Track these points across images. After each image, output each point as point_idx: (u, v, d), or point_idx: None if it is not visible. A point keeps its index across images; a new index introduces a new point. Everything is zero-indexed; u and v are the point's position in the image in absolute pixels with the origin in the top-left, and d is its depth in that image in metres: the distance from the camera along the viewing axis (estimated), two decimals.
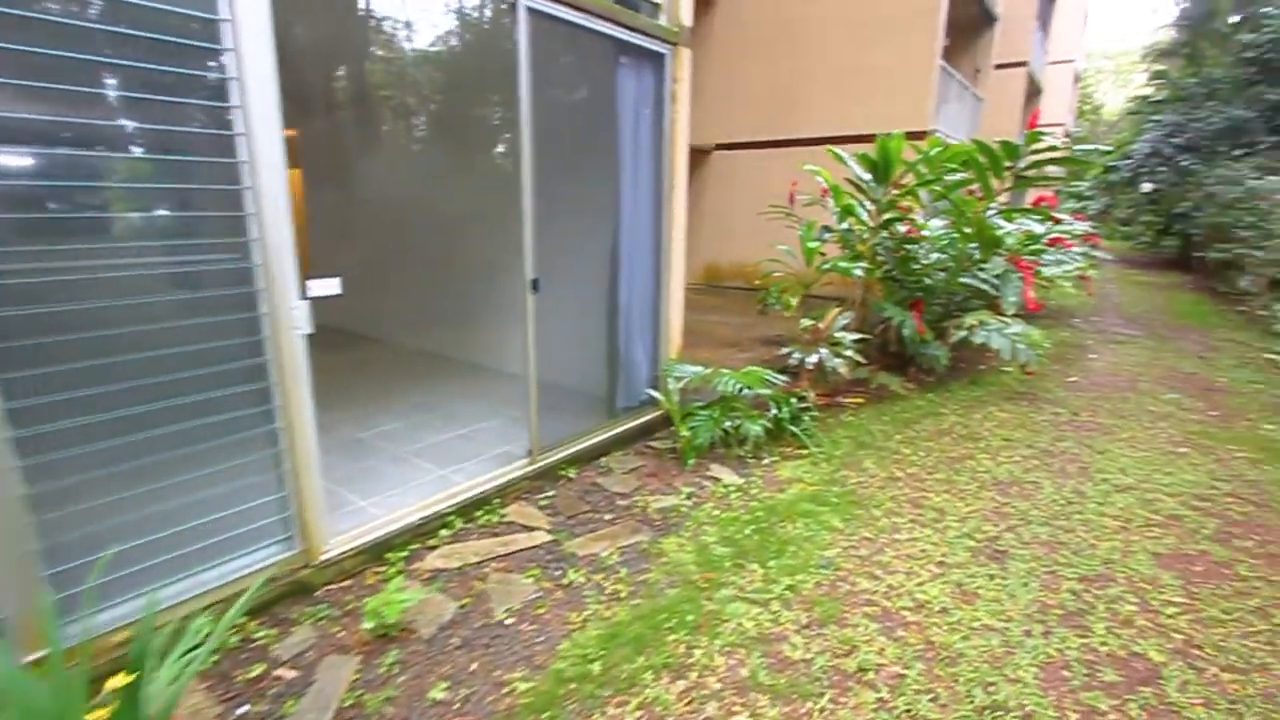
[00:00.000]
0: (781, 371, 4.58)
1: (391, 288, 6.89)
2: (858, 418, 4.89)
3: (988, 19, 12.74)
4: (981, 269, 5.33)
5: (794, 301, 4.82)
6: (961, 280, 5.40)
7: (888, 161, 5.06)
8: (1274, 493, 3.80)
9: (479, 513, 3.37)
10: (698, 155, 11.88)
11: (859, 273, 4.79)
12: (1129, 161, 20.89)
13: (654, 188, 4.26)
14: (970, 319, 5.56)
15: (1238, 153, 15.43)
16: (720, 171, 11.77)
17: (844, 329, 4.98)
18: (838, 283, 6.02)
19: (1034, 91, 18.45)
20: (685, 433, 4.10)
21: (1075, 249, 8.10)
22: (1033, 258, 5.19)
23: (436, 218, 6.10)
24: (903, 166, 5.26)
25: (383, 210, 6.71)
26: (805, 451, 4.22)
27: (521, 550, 3.07)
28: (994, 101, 14.27)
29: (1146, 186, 20.44)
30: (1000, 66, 14.69)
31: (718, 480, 3.84)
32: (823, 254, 6.16)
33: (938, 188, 5.17)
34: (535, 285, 3.51)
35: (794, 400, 4.38)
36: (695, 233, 12.57)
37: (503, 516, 3.37)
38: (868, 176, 5.41)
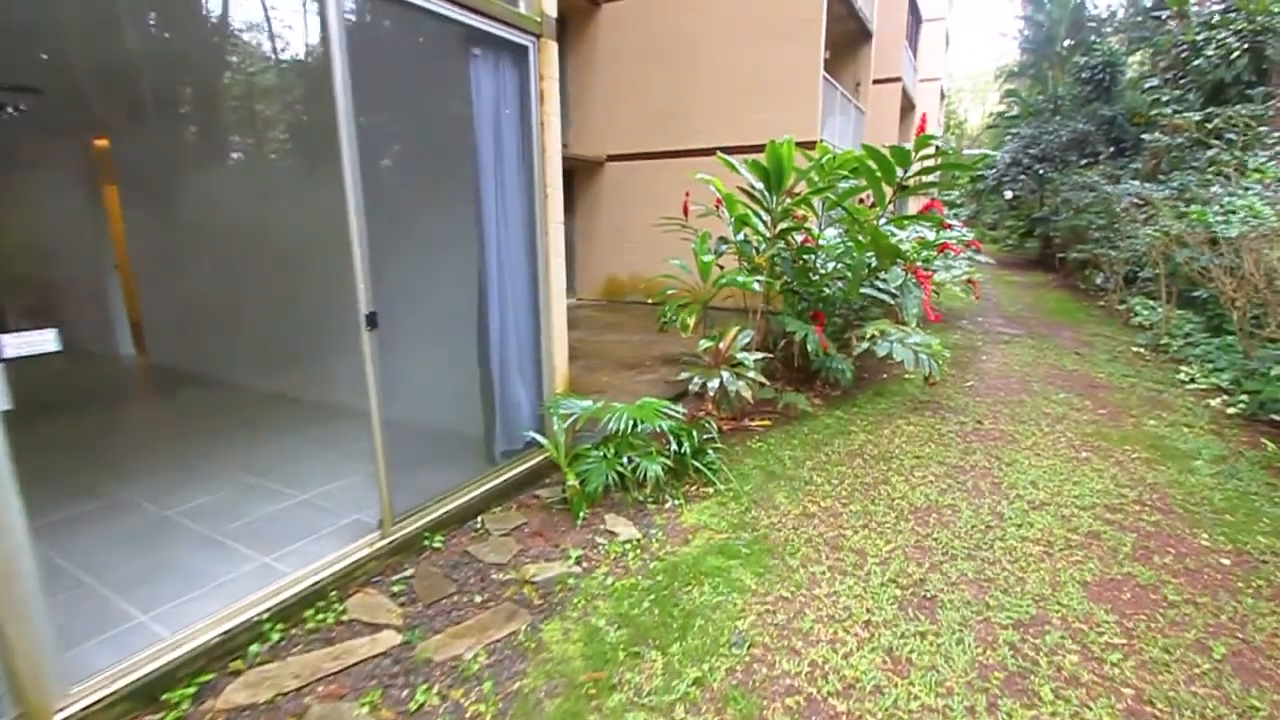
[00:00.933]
0: (681, 397, 4.14)
1: (235, 321, 5.90)
2: (766, 443, 4.53)
3: (864, 34, 13.20)
4: (880, 279, 5.18)
5: (691, 320, 4.42)
6: (861, 291, 5.22)
7: (780, 168, 4.79)
8: (1174, 495, 3.75)
9: (310, 612, 2.65)
10: (592, 167, 11.43)
11: (758, 286, 4.46)
12: (993, 170, 22.64)
13: (524, 200, 3.70)
14: (871, 328, 5.39)
15: (1084, 162, 16.94)
16: (616, 182, 11.38)
17: (746, 347, 4.63)
18: (738, 295, 5.72)
19: (908, 106, 19.55)
20: (574, 480, 3.55)
21: (961, 254, 8.32)
22: (927, 265, 5.09)
23: (284, 240, 5.23)
24: (795, 174, 5.01)
25: (222, 233, 5.72)
26: (711, 489, 3.78)
27: (360, 663, 2.38)
28: (873, 115, 14.85)
29: (1008, 194, 22.19)
30: (878, 82, 15.35)
31: (613, 536, 3.30)
32: (720, 266, 5.84)
33: (831, 195, 4.95)
34: (372, 320, 2.84)
35: (696, 432, 3.94)
36: (593, 246, 12.12)
37: (341, 614, 2.66)
38: (760, 185, 5.12)
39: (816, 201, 5.39)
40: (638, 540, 3.24)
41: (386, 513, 3.04)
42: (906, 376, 6.22)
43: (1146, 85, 14.74)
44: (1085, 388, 6.10)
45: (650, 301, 4.75)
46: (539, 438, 3.80)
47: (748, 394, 4.14)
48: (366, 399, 2.93)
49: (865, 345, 5.21)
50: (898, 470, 4.09)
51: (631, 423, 3.59)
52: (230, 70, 6.04)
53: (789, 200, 5.04)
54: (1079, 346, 8.12)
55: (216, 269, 5.86)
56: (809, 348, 4.83)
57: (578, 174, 11.68)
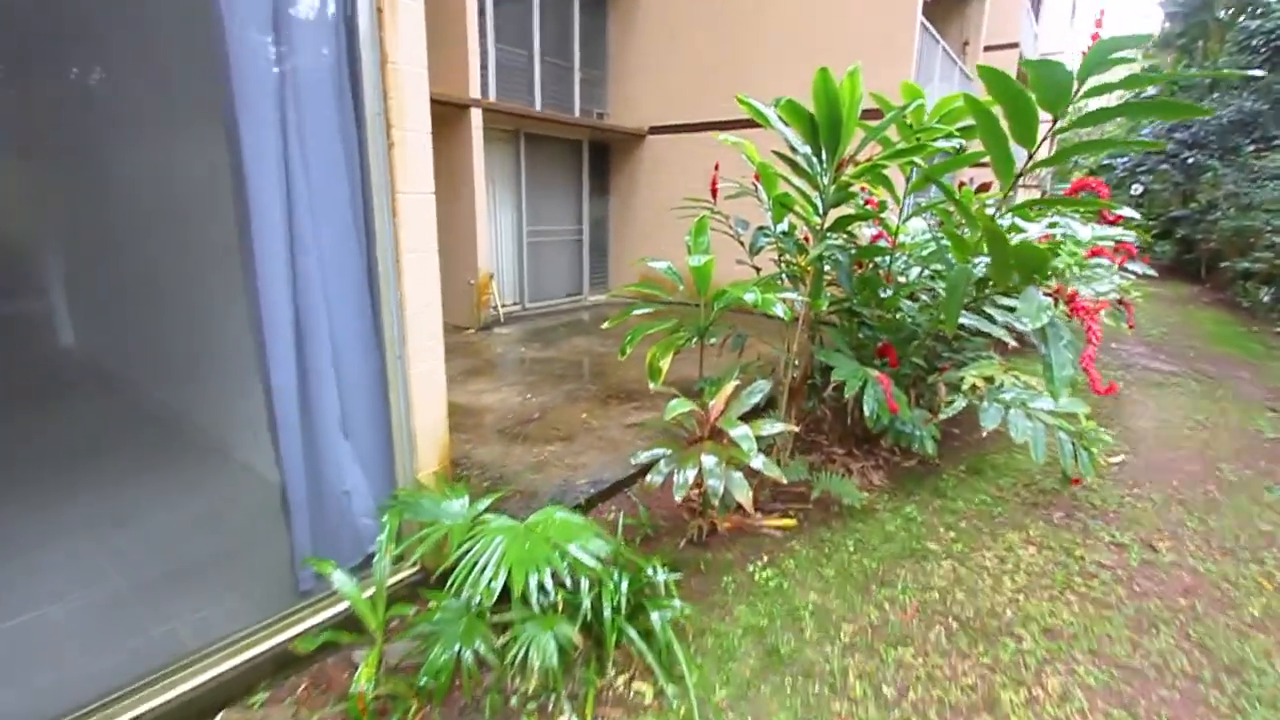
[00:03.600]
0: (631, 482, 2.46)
1: None
2: (780, 569, 2.76)
3: None
4: (995, 303, 3.22)
5: (665, 364, 2.65)
6: (963, 321, 3.28)
7: (834, 117, 2.95)
8: None
9: None
10: (630, 140, 9.73)
11: (780, 310, 2.62)
12: (1123, 160, 19.20)
13: (348, 183, 2.09)
14: (971, 374, 3.48)
15: (1252, 147, 13.68)
16: (657, 159, 9.63)
17: (758, 412, 2.86)
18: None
19: (1023, 80, 16.60)
20: (406, 646, 1.95)
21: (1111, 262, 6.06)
22: (1092, 289, 3.06)
23: None
24: (860, 130, 3.15)
25: None
26: (650, 688, 2.07)
27: None
28: (982, 90, 12.32)
29: (1137, 188, 18.74)
30: (991, 48, 12.76)
31: None
32: (756, 269, 4.06)
33: (918, 163, 3.06)
34: None
35: (648, 571, 2.24)
36: (629, 233, 10.45)
37: None
38: (804, 147, 3.30)
39: (895, 176, 3.52)
40: None
41: None
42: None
43: None
44: None
45: (609, 326, 3.01)
46: (334, 583, 2.20)
47: (744, 497, 2.39)
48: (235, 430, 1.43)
49: (959, 402, 3.31)
50: (1012, 666, 2.23)
51: (510, 573, 1.92)
52: None
53: (849, 170, 3.19)
54: (1273, 398, 5.75)
55: None
56: (866, 408, 3.01)
57: (614, 149, 10.01)
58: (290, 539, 2.21)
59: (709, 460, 2.47)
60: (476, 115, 7.08)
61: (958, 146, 3.24)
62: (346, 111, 2.06)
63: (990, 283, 3.20)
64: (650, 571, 2.16)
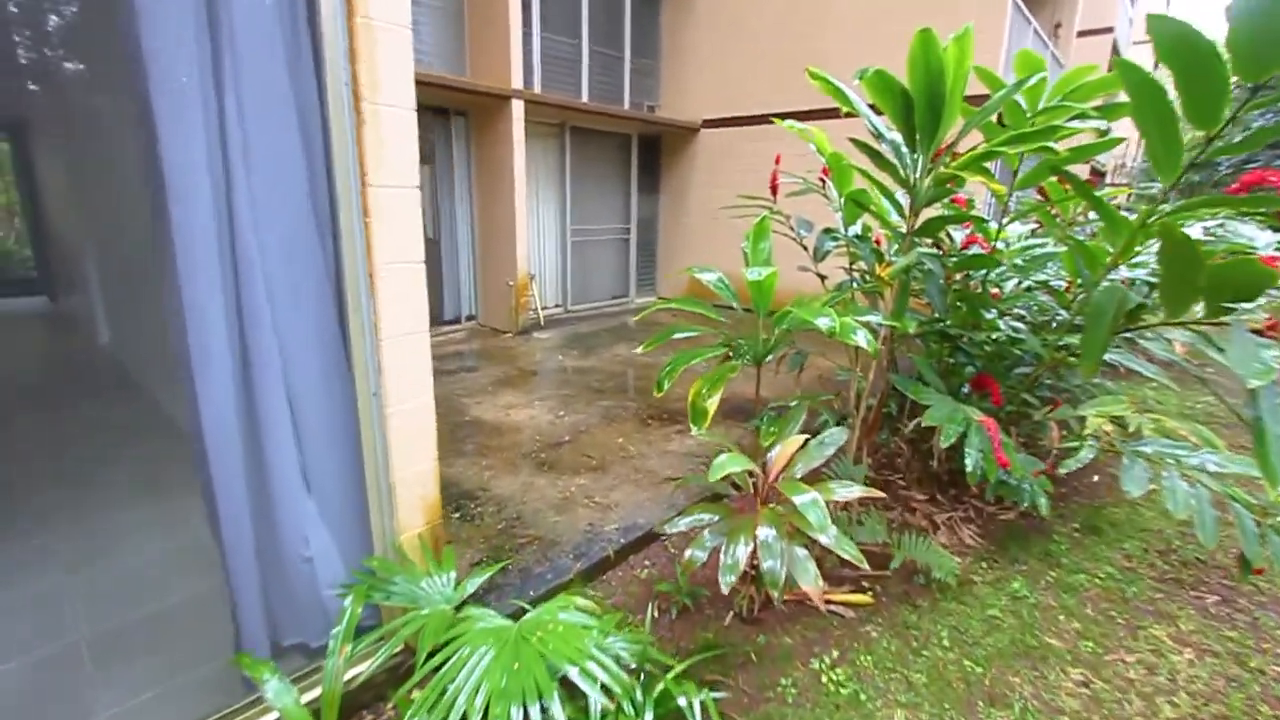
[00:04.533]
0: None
1: None
2: (852, 670, 2.16)
3: None
4: (1149, 335, 2.50)
5: (712, 403, 2.07)
6: (1107, 358, 2.56)
7: (934, 93, 2.32)
8: None
9: None
10: (683, 135, 9.16)
11: (863, 339, 2.02)
12: (1223, 164, 17.32)
13: (305, 170, 1.61)
14: (1093, 413, 2.78)
15: None
16: (712, 154, 9.02)
17: (828, 467, 2.27)
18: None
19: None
20: None
21: None
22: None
23: None
24: (962, 115, 2.51)
25: None
26: None
27: None
28: None
29: None
30: (1085, 34, 11.59)
31: None
32: (821, 278, 3.48)
33: (1054, 146, 2.38)
34: None
35: (679, 701, 1.69)
36: (680, 235, 9.86)
37: None
38: (891, 133, 2.68)
39: (998, 170, 2.85)
40: None
41: None
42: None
43: None
44: None
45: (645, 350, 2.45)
46: (266, 695, 1.73)
47: (811, 584, 1.81)
48: None
49: (1084, 453, 2.63)
50: None
51: (490, 705, 1.41)
52: None
53: (948, 163, 2.55)
54: None
55: None
56: (969, 462, 2.37)
57: (665, 143, 9.46)
58: (235, 620, 1.77)
59: (766, 533, 1.90)
60: (518, 107, 6.65)
61: (1103, 129, 2.56)
62: (304, 76, 1.59)
63: (1145, 312, 2.48)
64: (682, 702, 1.60)
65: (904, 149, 2.70)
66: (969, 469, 2.36)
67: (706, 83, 8.89)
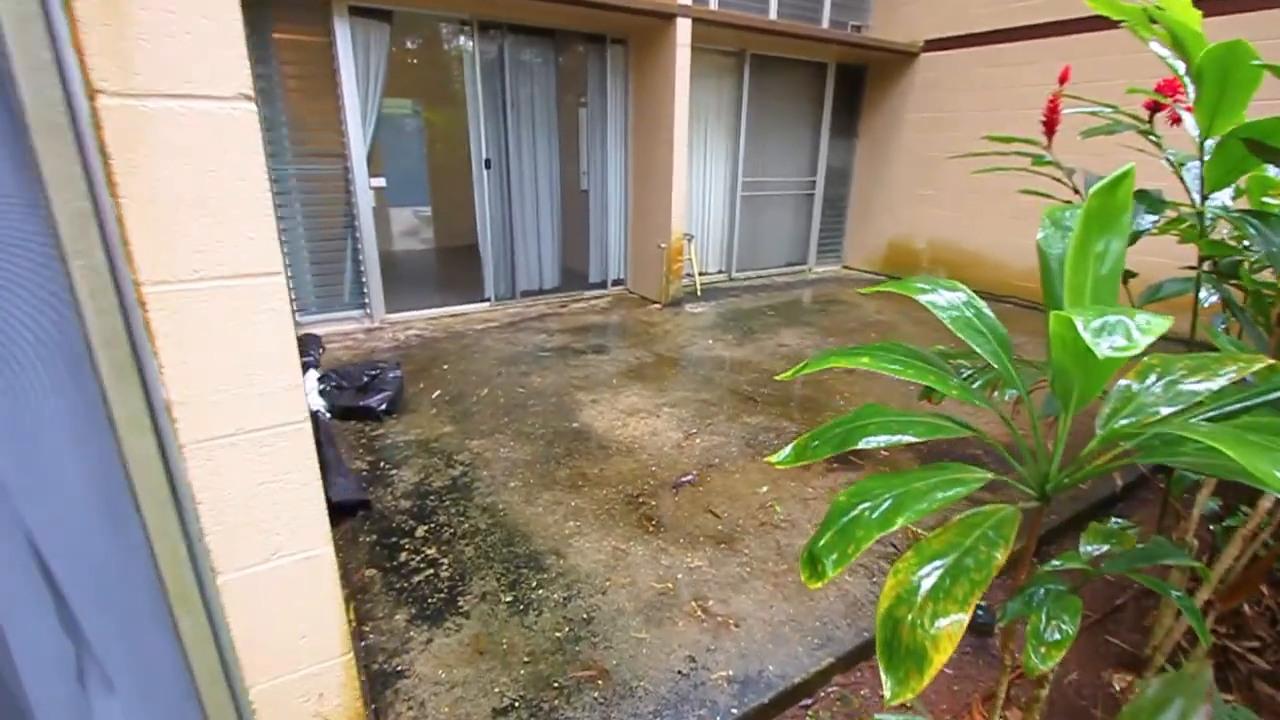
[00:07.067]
0: None
1: None
2: None
3: None
4: None
5: (947, 636, 0.96)
6: None
7: None
8: None
9: None
10: (897, 61, 7.22)
11: None
12: None
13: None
14: None
15: None
16: (931, 85, 7.01)
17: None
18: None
19: None
20: None
21: None
22: None
23: None
24: None
25: None
26: None
27: None
28: None
29: None
30: None
31: None
32: (1127, 280, 1.93)
33: None
34: None
35: None
36: (880, 190, 7.93)
37: None
38: None
39: None
40: None
41: None
42: None
43: None
44: None
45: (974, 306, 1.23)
46: None
47: None
48: None
49: None
50: None
51: None
52: None
53: None
54: None
55: None
56: None
57: (871, 73, 7.58)
58: None
59: None
60: (684, 27, 5.40)
61: None
62: None
63: None
64: None
65: None
66: None
67: None
